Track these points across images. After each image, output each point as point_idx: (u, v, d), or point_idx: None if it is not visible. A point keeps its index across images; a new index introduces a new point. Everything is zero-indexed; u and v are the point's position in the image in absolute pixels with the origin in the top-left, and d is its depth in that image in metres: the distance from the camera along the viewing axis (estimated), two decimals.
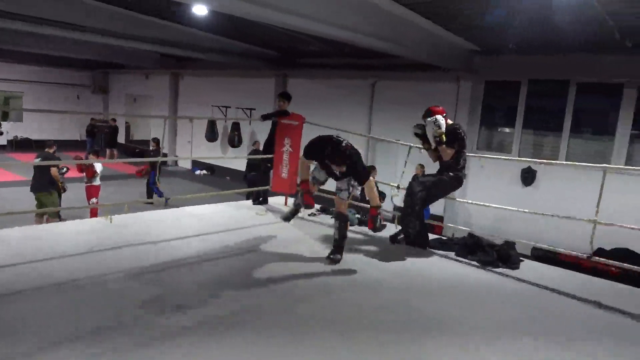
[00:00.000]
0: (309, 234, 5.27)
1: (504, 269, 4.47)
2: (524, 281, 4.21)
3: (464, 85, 10.34)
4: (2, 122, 19.32)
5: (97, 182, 9.11)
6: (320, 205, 6.46)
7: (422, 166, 9.81)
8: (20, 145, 19.93)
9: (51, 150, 8.24)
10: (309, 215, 6.01)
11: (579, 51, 8.72)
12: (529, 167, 9.58)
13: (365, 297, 3.65)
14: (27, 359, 2.50)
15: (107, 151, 17.96)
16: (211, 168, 16.96)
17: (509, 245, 4.80)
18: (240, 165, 14.70)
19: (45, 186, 8.10)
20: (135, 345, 2.70)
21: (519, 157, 9.60)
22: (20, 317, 2.91)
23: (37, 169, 8.21)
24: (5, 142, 19.93)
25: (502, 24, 7.62)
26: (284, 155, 6.17)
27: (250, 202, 6.73)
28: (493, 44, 9.33)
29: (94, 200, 8.95)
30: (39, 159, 8.06)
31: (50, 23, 9.46)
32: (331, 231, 4.46)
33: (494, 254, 4.62)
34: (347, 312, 3.35)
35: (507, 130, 10.22)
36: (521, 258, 4.76)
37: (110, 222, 4.98)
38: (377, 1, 6.58)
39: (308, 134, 4.82)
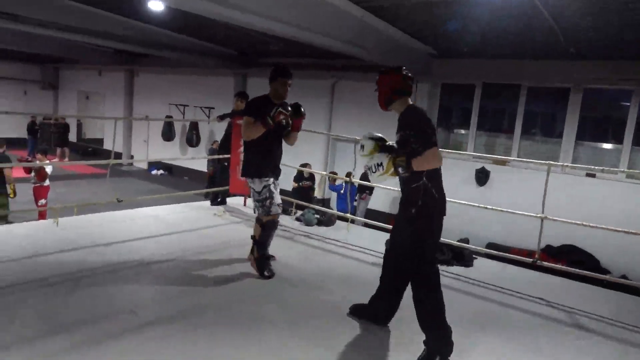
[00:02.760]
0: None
1: (458, 267, 4.61)
2: (476, 279, 4.34)
3: (421, 87, 10.54)
4: None
5: (46, 182, 8.70)
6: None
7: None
8: None
9: (1, 150, 7.73)
10: None
11: (529, 57, 9.10)
12: (483, 168, 9.89)
13: (312, 296, 3.67)
14: None
15: (58, 150, 17.21)
16: (169, 168, 16.56)
17: (463, 244, 4.94)
18: (199, 165, 14.42)
19: None
20: (85, 346, 2.62)
21: (473, 157, 9.89)
22: None
23: None
24: None
25: (458, 30, 7.83)
26: (240, 156, 6.09)
27: (208, 202, 6.62)
28: (450, 48, 9.57)
29: (42, 201, 8.53)
30: None
31: None
32: (292, 234, 4.42)
33: (450, 253, 4.75)
34: (296, 311, 3.39)
35: (462, 131, 10.52)
36: (474, 256, 4.92)
37: (57, 224, 4.77)
38: (337, 2, 6.60)
39: None
